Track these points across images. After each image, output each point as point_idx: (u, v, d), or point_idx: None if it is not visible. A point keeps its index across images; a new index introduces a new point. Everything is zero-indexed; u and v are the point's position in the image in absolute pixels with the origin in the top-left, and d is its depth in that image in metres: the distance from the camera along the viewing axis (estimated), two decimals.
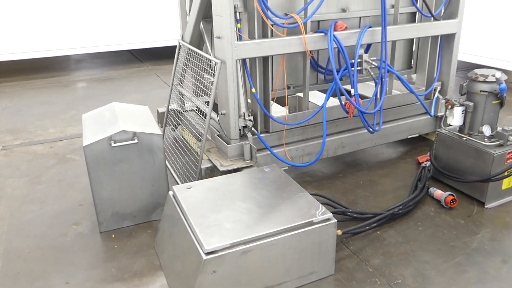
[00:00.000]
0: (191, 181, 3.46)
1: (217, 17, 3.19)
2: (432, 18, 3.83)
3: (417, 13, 4.10)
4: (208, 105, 3.66)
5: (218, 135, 3.65)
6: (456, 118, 3.42)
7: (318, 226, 2.52)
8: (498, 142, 3.27)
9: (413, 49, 4.33)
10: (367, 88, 4.46)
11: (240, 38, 3.24)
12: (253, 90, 3.41)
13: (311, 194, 2.79)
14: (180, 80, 4.35)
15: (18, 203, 3.63)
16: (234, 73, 3.25)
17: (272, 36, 3.37)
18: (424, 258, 2.83)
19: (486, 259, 2.80)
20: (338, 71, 3.80)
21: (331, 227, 2.57)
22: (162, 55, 9.13)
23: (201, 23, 3.92)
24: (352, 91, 3.46)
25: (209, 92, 3.50)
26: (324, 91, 4.23)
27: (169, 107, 4.38)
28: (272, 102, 3.71)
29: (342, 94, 3.46)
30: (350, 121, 3.97)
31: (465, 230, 3.09)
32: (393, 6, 3.80)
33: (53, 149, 4.72)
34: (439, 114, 4.27)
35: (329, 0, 3.58)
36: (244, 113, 3.46)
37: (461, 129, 3.53)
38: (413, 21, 4.13)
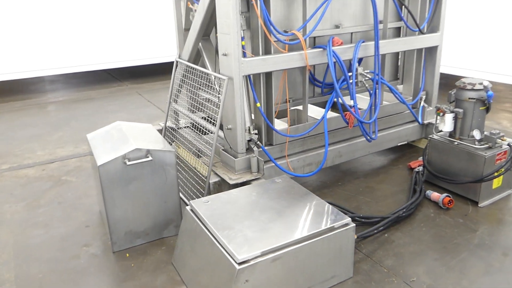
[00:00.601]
0: (199, 196, 3.51)
1: (224, 35, 3.31)
2: (419, 32, 4.10)
3: (401, 27, 4.37)
4: (208, 121, 3.76)
5: (223, 150, 3.73)
6: (447, 124, 3.66)
7: (339, 231, 2.65)
8: (487, 145, 3.53)
9: (399, 62, 4.59)
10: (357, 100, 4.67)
11: (244, 54, 3.36)
12: (258, 104, 3.53)
13: None
14: (176, 97, 4.41)
15: (20, 228, 3.55)
16: (241, 89, 3.36)
17: (273, 52, 3.52)
18: (433, 256, 3.00)
19: (489, 253, 3.00)
20: (332, 84, 3.99)
21: (350, 231, 2.70)
22: (141, 73, 9.12)
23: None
24: (351, 103, 3.64)
25: (214, 108, 3.58)
26: (319, 104, 4.41)
27: (166, 124, 4.42)
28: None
29: (342, 105, 3.64)
30: (346, 132, 4.15)
31: (465, 228, 3.30)
32: (381, 22, 4.05)
33: (46, 171, 4.63)
34: (426, 121, 4.54)
35: (324, 17, 3.77)
36: (249, 127, 3.57)
37: (451, 134, 3.78)
38: (398, 35, 4.40)
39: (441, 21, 4.24)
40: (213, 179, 3.56)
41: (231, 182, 3.43)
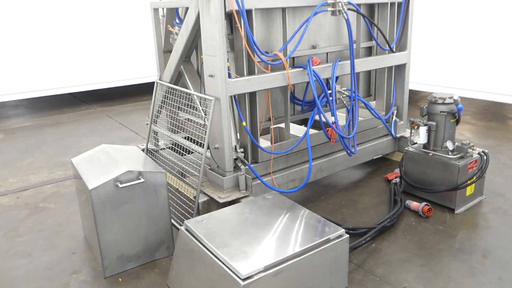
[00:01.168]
0: (187, 217, 3.52)
1: (210, 57, 3.39)
2: (390, 50, 4.36)
3: (372, 47, 4.62)
4: (192, 140, 3.80)
5: (210, 169, 3.76)
6: (421, 136, 3.89)
7: (334, 243, 2.74)
8: (460, 155, 3.77)
9: (371, 79, 4.83)
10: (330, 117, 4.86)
11: (229, 75, 3.45)
12: (244, 123, 3.61)
13: None
14: (156, 118, 4.42)
15: (0, 259, 3.40)
16: (228, 109, 3.44)
17: (257, 72, 3.63)
18: (419, 262, 3.15)
19: (470, 257, 3.19)
20: (313, 102, 4.15)
21: (344, 242, 2.80)
22: (110, 96, 9.00)
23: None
24: (332, 119, 3.79)
25: (200, 128, 3.63)
26: (298, 122, 4.55)
27: (147, 146, 4.41)
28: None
29: (324, 122, 3.78)
30: (326, 147, 4.30)
31: (445, 234, 3.49)
32: (354, 42, 4.27)
33: (21, 199, 4.47)
34: (398, 135, 4.78)
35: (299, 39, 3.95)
36: (235, 146, 3.63)
37: (425, 146, 4.01)
38: (369, 54, 4.65)
39: (408, 40, 4.53)
40: (202, 199, 3.58)
41: (221, 201, 3.47)
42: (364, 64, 4.22)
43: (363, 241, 3.35)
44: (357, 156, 4.51)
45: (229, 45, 3.55)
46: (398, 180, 4.22)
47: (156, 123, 4.44)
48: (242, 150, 3.67)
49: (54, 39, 7.63)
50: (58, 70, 7.76)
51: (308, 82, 4.03)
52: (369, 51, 4.65)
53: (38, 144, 6.21)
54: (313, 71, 3.71)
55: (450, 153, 3.79)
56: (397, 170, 4.53)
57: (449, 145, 3.77)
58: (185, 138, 4.22)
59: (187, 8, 3.97)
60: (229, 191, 3.61)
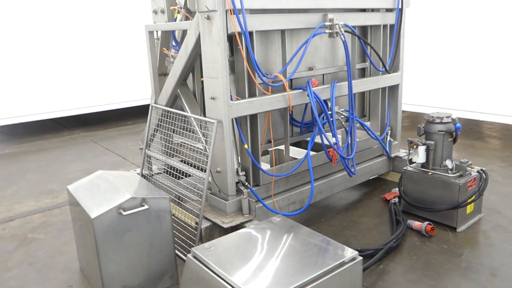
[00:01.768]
0: (190, 244, 3.41)
1: (211, 79, 3.35)
2: (385, 71, 4.43)
3: (365, 68, 4.68)
4: (191, 165, 3.71)
5: (211, 193, 3.67)
6: (420, 156, 3.92)
7: (349, 266, 2.67)
8: (459, 173, 3.80)
9: (365, 100, 4.88)
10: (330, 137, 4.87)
11: (231, 97, 3.41)
12: (246, 146, 3.56)
13: None
14: (150, 142, 4.32)
15: None
16: (231, 132, 3.38)
17: (258, 94, 3.61)
18: (430, 282, 3.11)
19: (479, 275, 3.18)
20: (311, 123, 4.15)
21: (358, 264, 2.73)
22: (92, 121, 8.81)
23: None
24: (333, 140, 3.79)
25: (201, 151, 3.55)
26: (295, 144, 4.53)
27: (142, 171, 4.29)
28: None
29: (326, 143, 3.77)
30: (324, 169, 4.28)
31: (451, 253, 3.48)
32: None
33: (7, 230, 4.24)
34: (393, 155, 4.81)
35: (297, 61, 3.96)
36: (237, 169, 3.57)
37: (423, 165, 4.04)
38: (363, 75, 4.71)
39: (400, 61, 4.62)
40: (204, 224, 3.47)
41: (225, 226, 3.37)
42: (360, 85, 4.26)
43: (371, 263, 3.30)
44: (355, 176, 4.49)
45: (230, 67, 3.51)
46: (397, 199, 4.22)
47: (149, 148, 4.34)
48: (243, 173, 3.61)
49: (33, 64, 7.44)
50: (38, 95, 7.55)
51: (306, 104, 4.04)
52: (362, 73, 4.71)
53: (22, 172, 5.96)
54: (313, 92, 3.71)
55: (449, 171, 3.83)
56: (394, 190, 4.54)
57: (449, 163, 3.81)
58: (181, 161, 4.13)
59: (184, 31, 3.96)
60: (232, 216, 3.52)
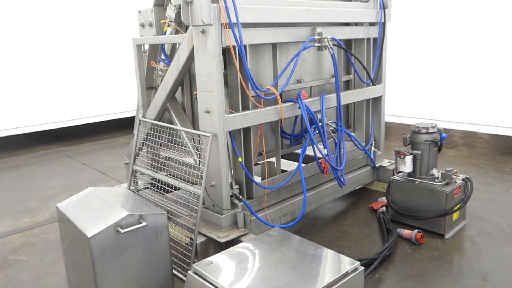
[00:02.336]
0: (184, 260, 3.35)
1: (205, 93, 3.33)
2: (371, 83, 4.55)
3: (349, 80, 4.79)
4: (181, 178, 3.66)
5: (204, 207, 3.63)
6: (407, 165, 4.02)
7: (352, 276, 2.70)
8: (445, 182, 3.93)
9: (349, 111, 4.98)
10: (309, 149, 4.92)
11: (225, 111, 3.40)
12: (240, 159, 3.54)
13: None
14: (137, 156, 4.23)
15: None
16: (226, 145, 3.36)
17: (251, 107, 3.61)
18: None
19: (471, 281, 3.27)
20: (300, 135, 4.19)
21: (360, 274, 2.76)
22: (66, 136, 8.55)
23: None
24: (325, 151, 3.83)
25: (195, 165, 3.51)
26: (283, 156, 4.55)
27: (129, 187, 4.19)
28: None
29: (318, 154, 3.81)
30: (313, 180, 4.32)
31: (442, 260, 3.57)
32: (333, 76, 4.41)
33: None
34: (377, 165, 4.92)
35: (288, 73, 4.01)
36: (231, 182, 3.55)
37: (410, 174, 4.14)
38: (348, 87, 4.81)
39: (383, 74, 4.76)
40: (199, 239, 3.42)
41: (222, 241, 3.33)
42: (347, 97, 4.35)
43: (367, 272, 3.34)
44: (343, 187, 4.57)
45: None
46: (384, 209, 4.30)
47: (135, 162, 4.24)
48: (237, 186, 3.59)
49: (1, 77, 7.18)
50: (9, 110, 7.27)
51: (296, 116, 4.08)
52: (346, 85, 4.81)
53: None
54: (305, 105, 3.76)
55: (436, 180, 3.94)
56: (380, 199, 4.63)
57: (435, 172, 3.93)
58: (169, 175, 4.06)
59: (174, 44, 3.94)
60: (227, 230, 3.48)
